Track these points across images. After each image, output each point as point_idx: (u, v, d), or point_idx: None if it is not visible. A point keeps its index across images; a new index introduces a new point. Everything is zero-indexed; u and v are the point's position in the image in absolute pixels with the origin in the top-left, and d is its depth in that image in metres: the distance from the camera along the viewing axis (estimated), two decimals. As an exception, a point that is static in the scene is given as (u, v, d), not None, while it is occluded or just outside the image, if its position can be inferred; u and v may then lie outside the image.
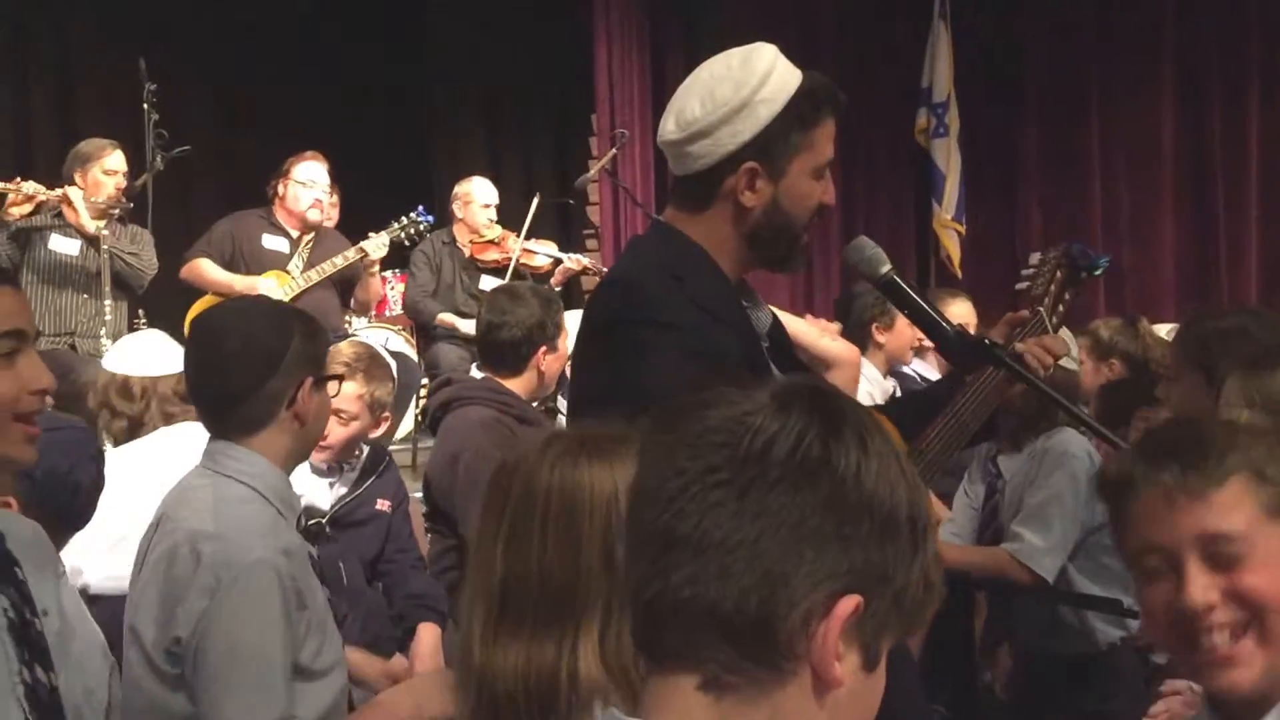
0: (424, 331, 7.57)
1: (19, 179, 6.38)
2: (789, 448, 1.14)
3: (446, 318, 7.39)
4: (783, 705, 1.16)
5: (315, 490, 4.02)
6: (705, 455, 1.15)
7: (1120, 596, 3.86)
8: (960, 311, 5.23)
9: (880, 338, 5.39)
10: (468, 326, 7.22)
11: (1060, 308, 2.83)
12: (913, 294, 2.56)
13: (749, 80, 2.46)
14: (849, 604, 1.14)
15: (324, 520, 4.00)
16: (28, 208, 6.30)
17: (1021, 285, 2.87)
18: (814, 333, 4.39)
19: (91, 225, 6.31)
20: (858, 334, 5.26)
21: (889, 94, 9.74)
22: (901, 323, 5.14)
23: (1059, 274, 2.84)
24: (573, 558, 1.77)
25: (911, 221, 9.84)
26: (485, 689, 1.81)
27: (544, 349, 4.33)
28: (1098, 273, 2.91)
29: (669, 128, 2.52)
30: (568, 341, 4.34)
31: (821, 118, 2.51)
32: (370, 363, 4.07)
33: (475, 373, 4.49)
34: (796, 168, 2.51)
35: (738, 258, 2.58)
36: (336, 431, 3.91)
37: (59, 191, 6.34)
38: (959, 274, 9.59)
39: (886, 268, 2.56)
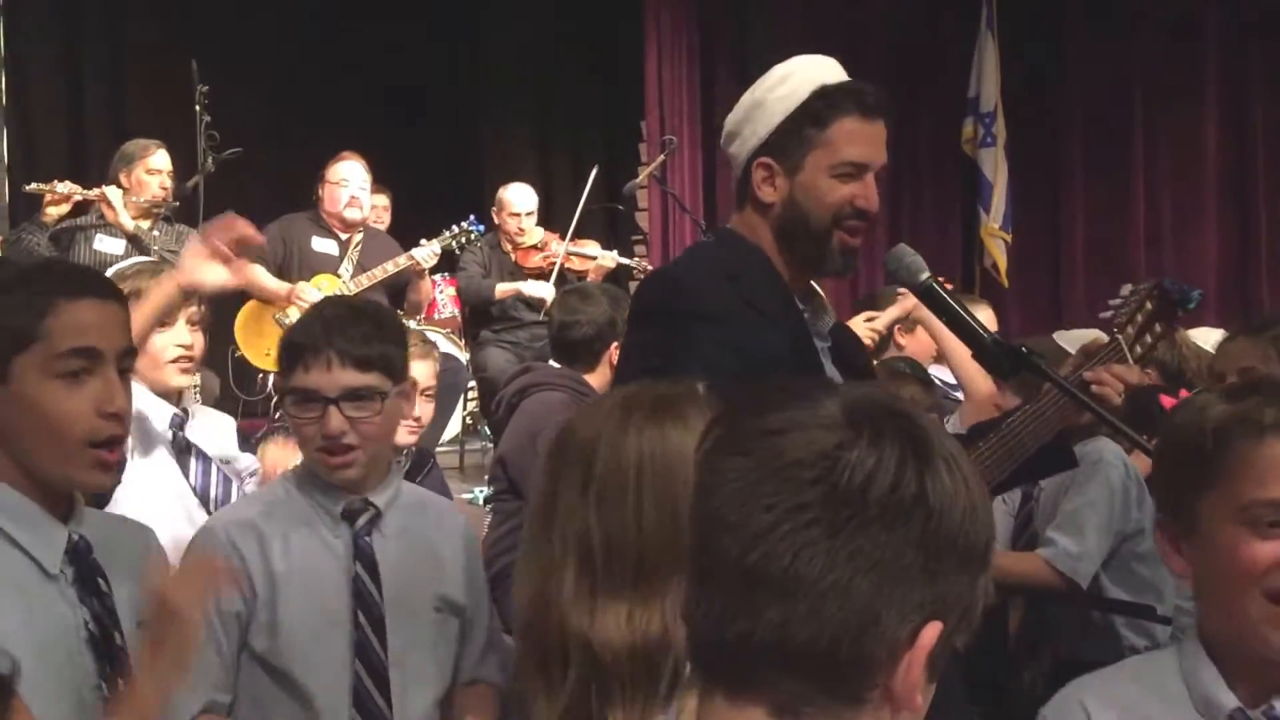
0: (471, 335, 7.64)
1: (56, 180, 6.42)
2: (887, 487, 1.10)
3: (504, 285, 7.45)
4: None
5: None
6: (796, 492, 1.11)
7: (1151, 603, 3.90)
8: (982, 319, 5.22)
9: (901, 340, 5.42)
10: (532, 290, 7.34)
11: (1148, 338, 2.73)
12: (950, 301, 2.56)
13: (767, 80, 2.59)
14: (933, 632, 1.12)
15: None
16: (66, 208, 6.32)
17: (1105, 314, 2.79)
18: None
19: (131, 224, 6.32)
20: (880, 337, 5.27)
21: (936, 104, 9.78)
22: (923, 328, 5.15)
23: (1148, 305, 2.74)
24: (671, 518, 1.75)
25: (958, 230, 9.85)
26: (588, 655, 1.80)
27: (615, 345, 4.42)
28: (1190, 306, 2.77)
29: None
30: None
31: (837, 116, 2.53)
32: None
33: (552, 364, 4.58)
34: (811, 165, 2.54)
35: (782, 259, 2.63)
36: (426, 410, 4.01)
37: (96, 191, 6.39)
38: (1005, 282, 9.63)
39: (925, 275, 2.55)
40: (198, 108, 6.81)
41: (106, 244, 6.36)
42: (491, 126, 10.05)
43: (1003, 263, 9.67)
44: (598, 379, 4.45)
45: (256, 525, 2.63)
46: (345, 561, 2.60)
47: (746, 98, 2.64)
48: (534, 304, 7.42)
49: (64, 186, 6.32)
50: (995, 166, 9.62)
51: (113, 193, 6.31)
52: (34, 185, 6.41)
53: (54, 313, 1.97)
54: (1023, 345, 2.54)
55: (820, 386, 1.18)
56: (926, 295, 2.57)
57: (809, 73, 2.58)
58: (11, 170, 8.64)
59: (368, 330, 2.58)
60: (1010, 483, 2.83)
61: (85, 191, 6.34)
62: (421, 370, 3.92)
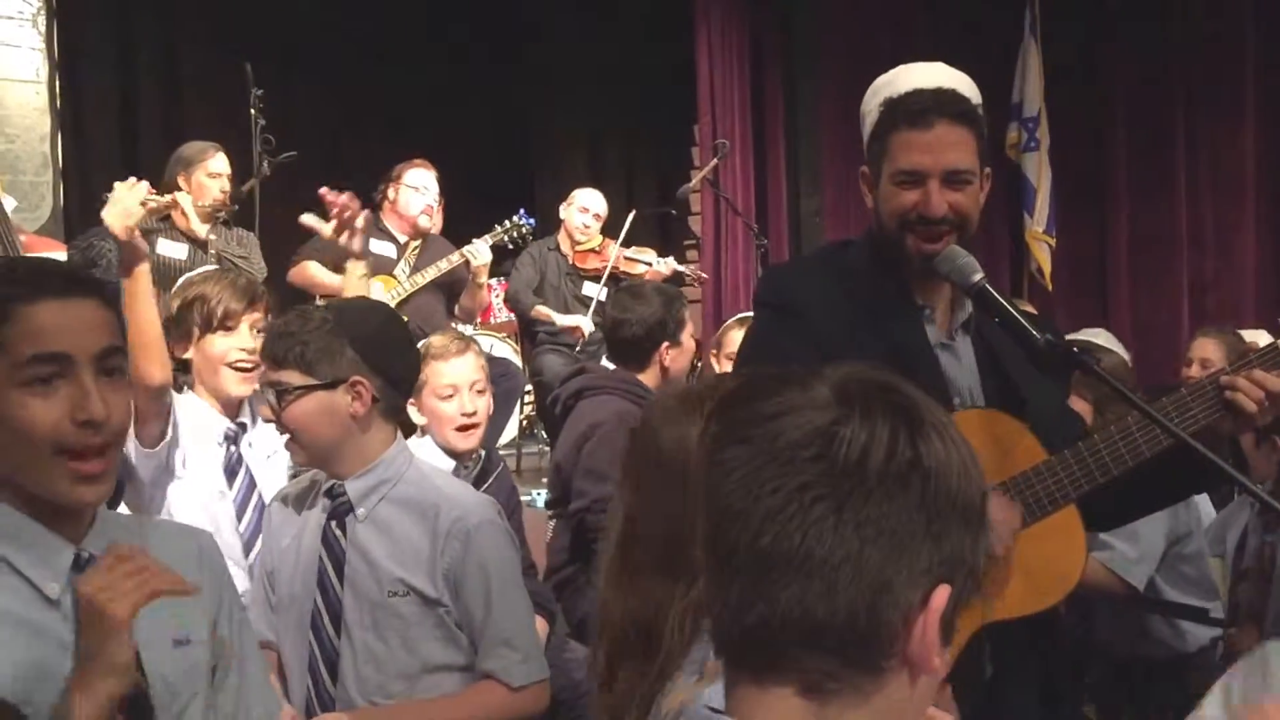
0: (529, 338, 7.66)
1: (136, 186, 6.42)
2: (884, 456, 1.13)
3: (543, 310, 7.44)
4: (881, 701, 1.16)
5: None
6: (797, 471, 1.13)
7: (1202, 604, 3.91)
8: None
9: None
10: (565, 320, 7.32)
11: None
12: (1003, 302, 2.55)
13: (866, 96, 2.78)
14: (943, 595, 1.15)
15: None
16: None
17: None
18: None
19: (202, 229, 6.27)
20: None
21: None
22: None
23: None
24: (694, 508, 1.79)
25: (1003, 234, 9.82)
26: (609, 623, 1.90)
27: (666, 344, 4.50)
28: None
29: None
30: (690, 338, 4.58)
31: (896, 126, 2.61)
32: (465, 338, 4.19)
33: (606, 363, 4.63)
34: (883, 174, 2.64)
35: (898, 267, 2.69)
36: (480, 405, 4.04)
37: (168, 197, 6.39)
38: (1050, 286, 9.63)
39: (978, 276, 2.56)
40: (253, 111, 6.76)
41: (169, 249, 6.31)
42: (543, 132, 10.05)
43: (1047, 266, 9.67)
44: (650, 378, 4.50)
45: (288, 499, 3.01)
46: (318, 542, 2.89)
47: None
48: (591, 307, 7.43)
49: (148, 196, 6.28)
50: (1039, 171, 9.63)
51: (184, 198, 6.26)
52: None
53: (13, 319, 1.84)
54: (1075, 346, 2.53)
55: (811, 371, 1.20)
56: (979, 297, 2.57)
57: (892, 85, 2.72)
58: (65, 175, 8.67)
59: (281, 328, 2.86)
60: (1131, 503, 2.77)
61: (159, 198, 6.32)
62: (464, 366, 4.01)
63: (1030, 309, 5.55)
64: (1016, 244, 9.87)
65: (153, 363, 3.33)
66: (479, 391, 4.06)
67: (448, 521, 2.83)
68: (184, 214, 6.27)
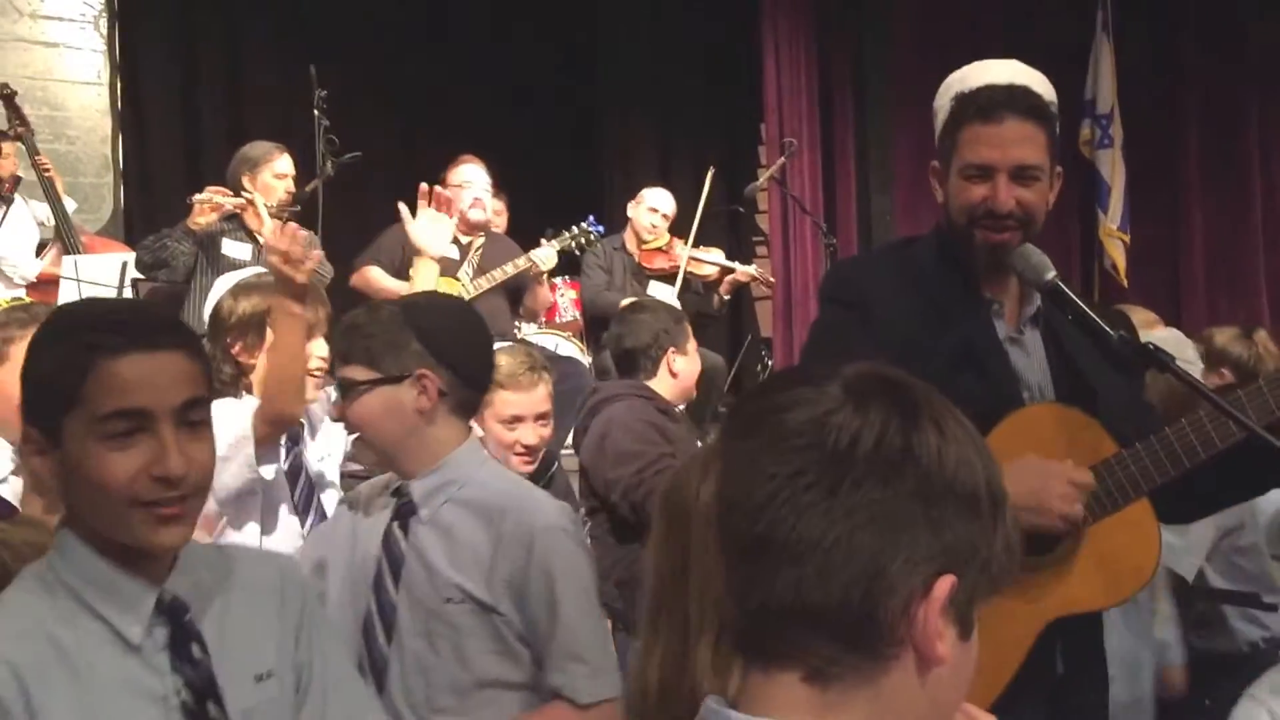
0: (594, 338, 7.59)
1: (208, 187, 6.38)
2: (872, 443, 1.15)
3: (630, 303, 7.39)
4: (886, 689, 1.17)
5: None
6: (791, 459, 1.16)
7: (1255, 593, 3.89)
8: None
9: None
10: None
11: None
12: (1077, 300, 2.55)
13: (939, 92, 2.79)
14: (945, 584, 1.15)
15: None
16: (213, 216, 6.28)
17: None
18: None
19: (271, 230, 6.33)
20: None
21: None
22: None
23: None
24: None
25: (1076, 231, 9.81)
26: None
27: (671, 350, 4.54)
28: None
29: None
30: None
31: (966, 120, 2.63)
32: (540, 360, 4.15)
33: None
34: (952, 169, 2.66)
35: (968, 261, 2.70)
36: (543, 434, 4.01)
37: (243, 198, 6.37)
38: (1124, 283, 9.58)
39: (1051, 274, 2.56)
40: (316, 112, 6.74)
41: (234, 249, 6.34)
42: (612, 131, 10.06)
43: (1121, 263, 9.64)
44: (661, 386, 4.54)
45: (357, 500, 2.90)
46: (378, 544, 2.77)
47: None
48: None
49: (219, 197, 6.27)
50: (1113, 168, 9.60)
51: (258, 198, 6.28)
52: (206, 194, 6.32)
53: (95, 372, 1.81)
54: (1150, 343, 2.52)
55: (829, 369, 1.22)
56: (1053, 294, 2.58)
57: (958, 80, 2.74)
58: (125, 176, 8.71)
59: (349, 323, 2.78)
60: (1209, 496, 2.74)
61: (235, 200, 6.31)
62: (533, 399, 3.97)
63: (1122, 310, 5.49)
64: (1089, 241, 9.84)
65: (291, 400, 3.36)
66: (543, 423, 4.02)
67: (512, 525, 2.67)
68: (256, 214, 6.28)
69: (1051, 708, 2.61)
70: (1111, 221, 9.58)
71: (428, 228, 4.20)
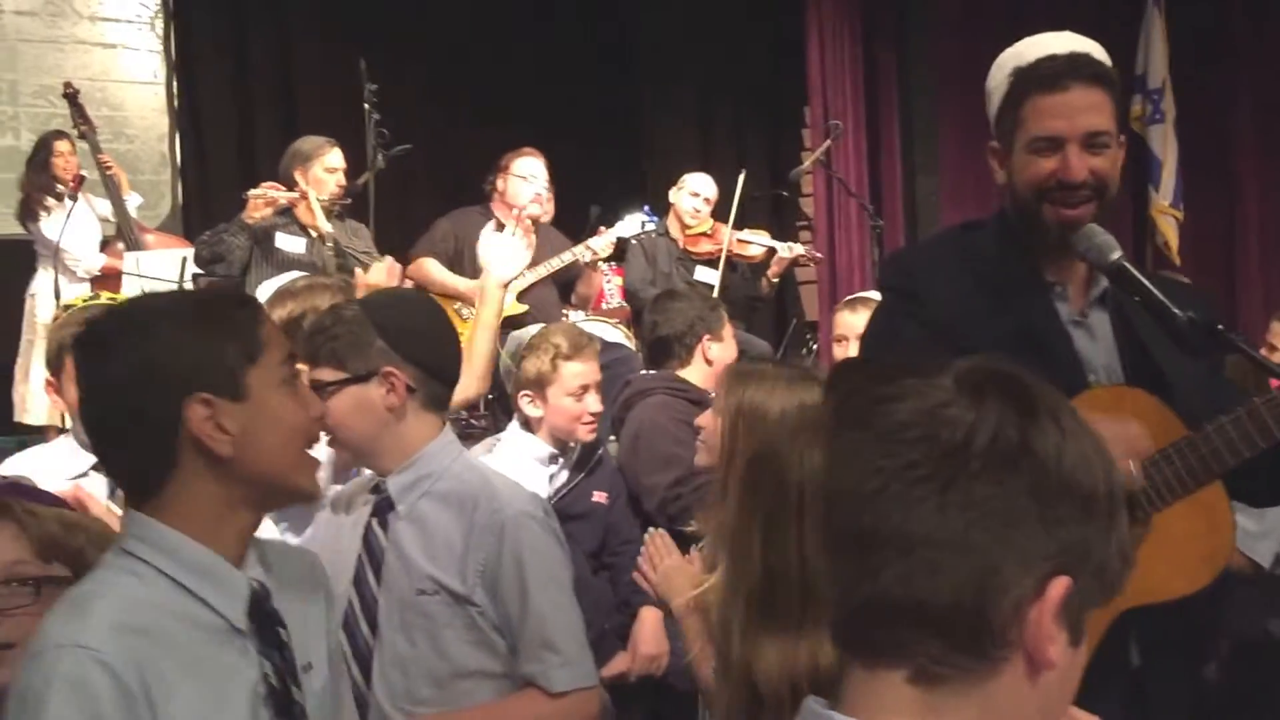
0: (639, 327, 7.61)
1: (262, 183, 6.44)
2: (988, 438, 1.12)
3: (664, 291, 7.40)
4: (996, 694, 1.15)
5: (537, 480, 4.07)
6: (902, 452, 1.13)
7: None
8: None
9: None
10: None
11: None
12: (1144, 281, 2.48)
13: (993, 70, 2.72)
14: (1060, 586, 1.13)
15: None
16: (268, 211, 6.31)
17: None
18: None
19: (327, 225, 6.32)
20: None
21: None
22: None
23: None
24: None
25: (1128, 208, 9.61)
26: (745, 681, 1.83)
27: (706, 336, 4.55)
28: None
29: None
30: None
31: (1029, 93, 2.57)
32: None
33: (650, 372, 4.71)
34: (1016, 145, 2.60)
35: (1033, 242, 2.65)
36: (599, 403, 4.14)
37: (296, 193, 6.38)
38: (1177, 260, 9.41)
39: (1117, 254, 2.50)
40: (366, 106, 6.82)
41: (288, 242, 6.39)
42: (653, 117, 10.04)
43: (1174, 240, 9.49)
44: (695, 374, 4.55)
45: (338, 501, 2.94)
46: (359, 541, 2.82)
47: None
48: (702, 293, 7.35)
49: (274, 192, 6.32)
50: (1164, 143, 9.45)
51: (312, 194, 6.35)
52: (260, 189, 6.42)
53: (264, 326, 1.96)
54: (1219, 323, 2.44)
55: (941, 365, 1.19)
56: (1118, 275, 2.51)
57: (1017, 56, 2.67)
58: (183, 172, 8.85)
59: (314, 326, 2.83)
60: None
61: (289, 194, 6.38)
62: (594, 366, 4.13)
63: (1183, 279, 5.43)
64: (1141, 219, 9.68)
65: (477, 378, 3.75)
66: (598, 389, 4.14)
67: (483, 514, 2.70)
68: (310, 208, 6.35)
69: (1129, 701, 2.53)
70: (1163, 198, 9.43)
71: (503, 250, 4.19)
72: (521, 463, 4.06)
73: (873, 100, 9.26)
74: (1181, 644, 2.66)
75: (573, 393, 4.06)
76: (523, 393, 4.11)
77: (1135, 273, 2.49)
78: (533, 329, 4.46)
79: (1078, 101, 2.53)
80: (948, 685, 1.15)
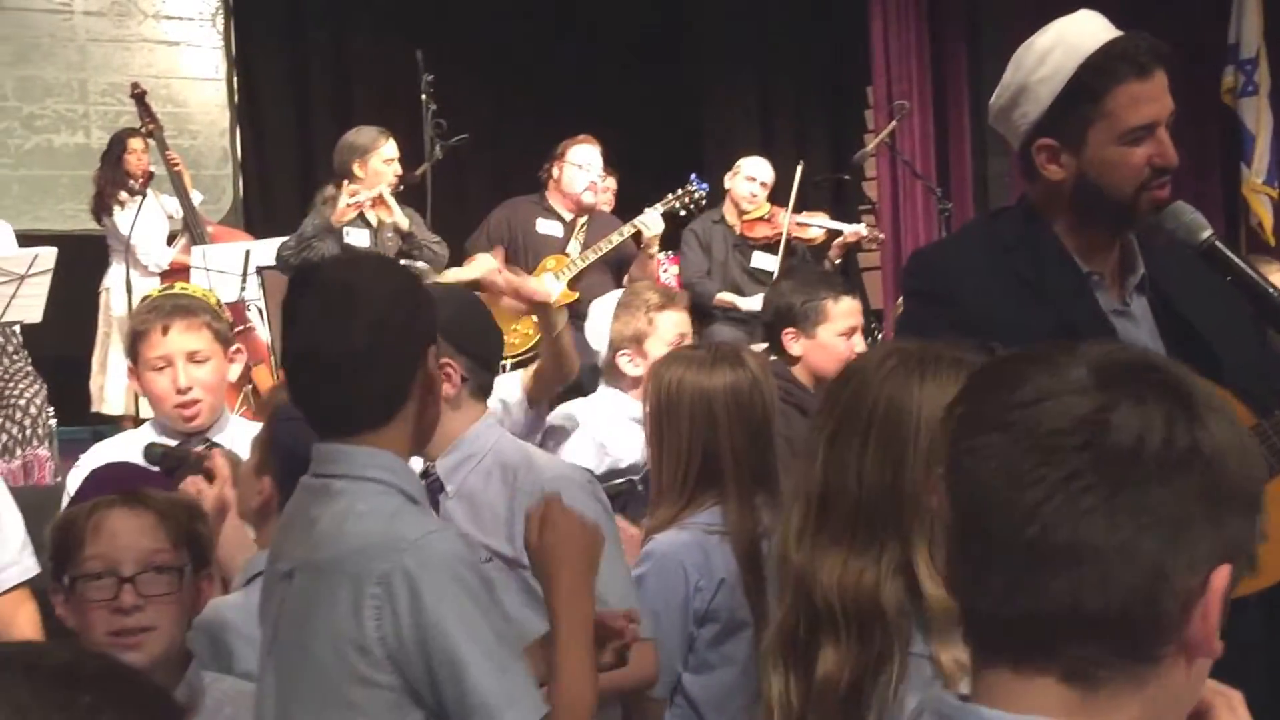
0: (701, 311, 7.52)
1: (344, 189, 6.44)
2: (1160, 443, 1.10)
3: (725, 297, 7.37)
4: (1159, 687, 1.14)
5: (632, 439, 3.96)
6: (1063, 460, 1.10)
7: None
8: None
9: None
10: (747, 304, 7.22)
11: None
12: (1237, 260, 2.46)
13: (1026, 62, 2.55)
14: (1224, 576, 1.12)
15: (637, 479, 3.97)
16: (354, 214, 6.39)
17: None
18: None
19: (405, 221, 6.44)
20: None
21: (1193, 53, 9.16)
22: None
23: None
24: (893, 476, 1.80)
25: (1218, 186, 9.33)
26: (802, 590, 1.86)
27: (789, 331, 4.28)
28: None
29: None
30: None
31: (1112, 85, 2.48)
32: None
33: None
34: (1095, 139, 2.50)
35: (1083, 232, 2.59)
36: None
37: (375, 191, 6.43)
38: (1272, 240, 9.05)
39: (1207, 233, 2.47)
40: (424, 96, 6.89)
41: (355, 236, 6.45)
42: (711, 101, 10.06)
43: (1269, 220, 9.08)
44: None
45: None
46: None
47: (1010, 79, 2.59)
48: (761, 279, 7.28)
49: (361, 195, 6.38)
50: (1258, 117, 9.04)
51: (386, 191, 6.40)
52: (347, 195, 6.40)
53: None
54: None
55: (1058, 350, 1.16)
56: (1209, 255, 2.48)
57: (1069, 45, 2.52)
58: (243, 167, 8.95)
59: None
60: None
61: (370, 193, 6.39)
62: (680, 314, 4.16)
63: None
64: (1232, 197, 9.33)
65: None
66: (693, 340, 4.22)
67: (524, 479, 2.82)
68: (386, 205, 6.43)
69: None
70: (1256, 175, 9.03)
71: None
72: (616, 421, 4.05)
73: (940, 78, 9.15)
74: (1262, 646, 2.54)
75: (672, 343, 4.00)
76: (620, 352, 4.10)
77: (1227, 252, 2.48)
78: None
79: (1161, 84, 2.50)
80: (1111, 686, 1.13)
